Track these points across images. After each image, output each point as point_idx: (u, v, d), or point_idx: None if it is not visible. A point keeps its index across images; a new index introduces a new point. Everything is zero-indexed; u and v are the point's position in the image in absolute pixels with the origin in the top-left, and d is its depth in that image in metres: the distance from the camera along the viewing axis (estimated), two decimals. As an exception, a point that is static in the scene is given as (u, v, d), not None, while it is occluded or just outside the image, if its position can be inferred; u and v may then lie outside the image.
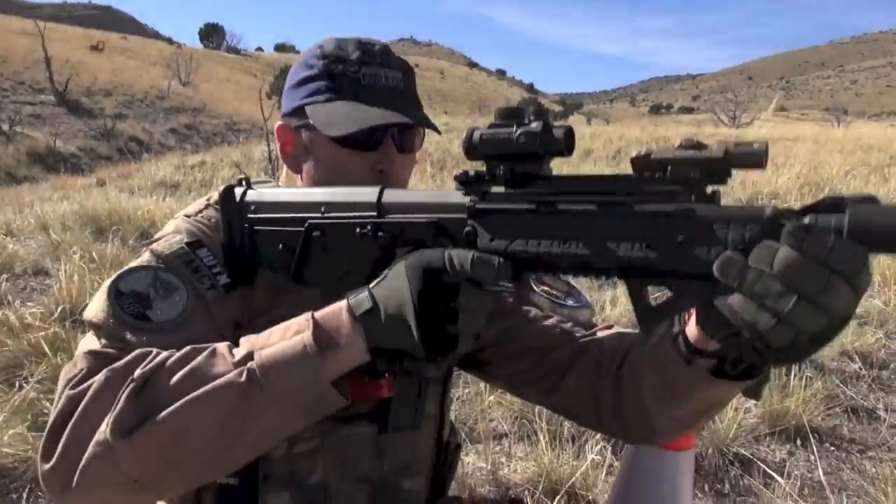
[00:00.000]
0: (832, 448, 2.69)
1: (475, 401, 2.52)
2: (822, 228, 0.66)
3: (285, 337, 0.89)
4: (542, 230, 0.85)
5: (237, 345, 0.91)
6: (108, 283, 1.02)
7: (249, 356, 0.87)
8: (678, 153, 0.74)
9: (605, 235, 0.80)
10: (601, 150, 14.79)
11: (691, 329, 0.93)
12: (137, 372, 0.84)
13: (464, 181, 0.93)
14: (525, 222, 0.86)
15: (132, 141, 19.15)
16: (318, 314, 0.90)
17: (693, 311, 0.91)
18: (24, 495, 1.86)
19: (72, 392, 0.87)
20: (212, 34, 57.50)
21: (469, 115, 25.02)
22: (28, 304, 3.02)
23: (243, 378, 0.84)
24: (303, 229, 1.05)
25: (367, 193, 1.02)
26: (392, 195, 1.00)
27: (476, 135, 0.89)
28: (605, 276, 0.82)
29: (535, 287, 1.20)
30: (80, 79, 22.27)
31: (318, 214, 1.05)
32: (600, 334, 1.20)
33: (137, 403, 0.82)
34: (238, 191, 1.13)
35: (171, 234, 1.11)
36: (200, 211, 1.17)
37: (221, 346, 0.90)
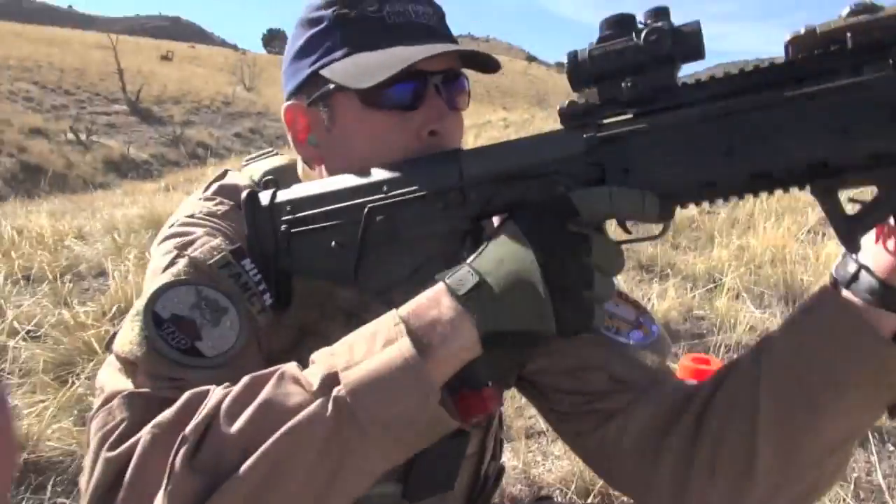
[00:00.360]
0: (894, 449, 2.54)
1: (511, 398, 2.49)
2: None
3: (374, 350, 0.68)
4: (696, 146, 0.70)
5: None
6: (140, 304, 0.80)
7: (333, 379, 0.67)
8: (853, 20, 0.63)
9: (785, 132, 0.67)
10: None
11: (881, 258, 0.73)
12: (190, 426, 0.64)
13: (572, 114, 0.77)
14: (671, 141, 0.72)
15: (199, 146, 19.81)
16: (405, 311, 0.71)
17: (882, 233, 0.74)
18: (68, 488, 1.95)
19: (111, 455, 0.68)
20: (274, 40, 59.21)
21: (527, 110, 24.78)
22: (88, 303, 3.17)
23: (330, 410, 0.64)
24: (361, 219, 0.84)
25: (436, 159, 0.85)
26: (474, 154, 0.83)
27: (583, 54, 0.74)
28: (786, 186, 0.69)
29: None
30: (150, 88, 23.22)
31: (381, 195, 0.84)
32: (672, 383, 0.94)
33: (196, 469, 0.63)
34: (264, 195, 0.91)
35: (204, 237, 0.89)
36: (217, 209, 0.95)
37: (290, 369, 0.70)
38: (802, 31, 0.65)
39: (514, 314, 0.70)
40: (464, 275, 0.71)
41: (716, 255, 3.80)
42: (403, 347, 0.67)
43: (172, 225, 0.94)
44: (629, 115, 0.75)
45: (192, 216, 0.94)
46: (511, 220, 0.75)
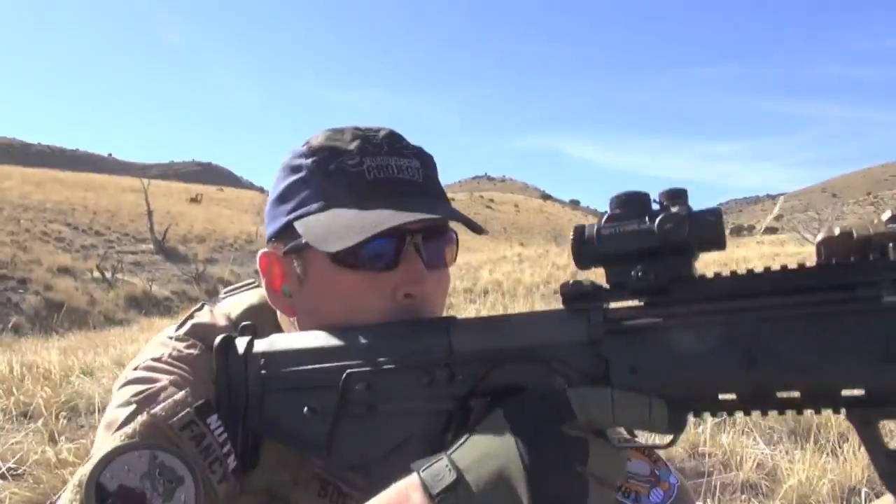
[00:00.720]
0: None
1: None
2: None
3: None
4: (715, 351, 0.61)
5: None
6: (85, 471, 0.70)
7: None
8: (891, 226, 0.57)
9: (817, 349, 0.58)
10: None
11: None
12: None
13: (575, 295, 0.69)
14: (685, 342, 0.63)
15: (220, 283, 20.23)
16: None
17: None
18: None
19: None
20: (299, 182, 61.98)
21: (543, 246, 25.23)
22: (79, 440, 3.12)
23: None
24: (339, 384, 0.77)
25: (431, 326, 0.78)
26: (466, 326, 0.75)
27: (591, 231, 0.67)
28: (817, 408, 0.60)
29: None
30: (178, 228, 24.17)
31: (362, 361, 0.77)
32: None
33: None
34: (240, 342, 0.83)
35: (169, 388, 0.80)
36: (188, 353, 0.87)
37: None
38: (837, 231, 0.59)
39: None
40: (441, 468, 0.64)
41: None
42: None
43: (137, 367, 0.86)
44: (640, 305, 0.67)
45: (158, 359, 0.86)
46: (501, 410, 0.67)
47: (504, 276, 13.56)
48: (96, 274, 17.31)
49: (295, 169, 0.89)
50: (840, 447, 2.85)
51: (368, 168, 0.85)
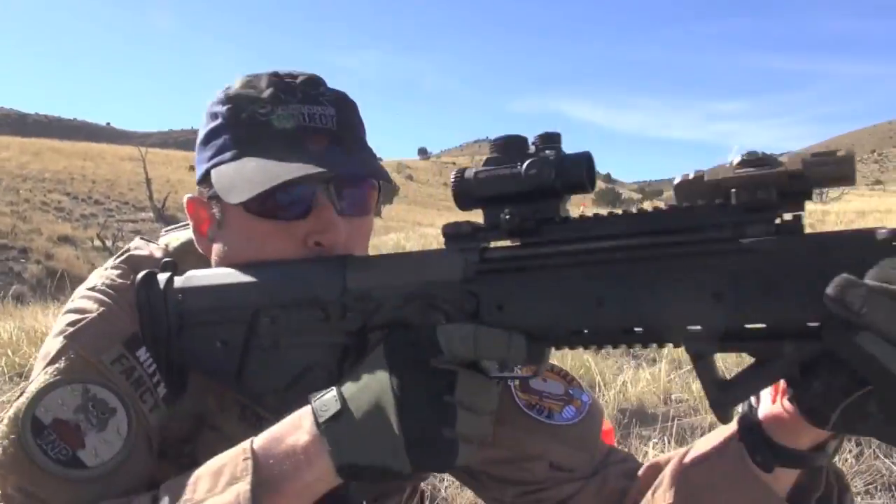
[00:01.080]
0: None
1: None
2: None
3: (215, 488, 0.68)
4: (570, 290, 0.65)
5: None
6: (19, 405, 0.75)
7: None
8: (742, 172, 0.57)
9: (657, 289, 0.61)
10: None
11: (776, 417, 0.69)
12: None
13: (455, 235, 0.73)
14: (545, 281, 0.66)
15: (220, 250, 20.29)
16: (264, 438, 0.70)
17: (778, 391, 0.71)
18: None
19: None
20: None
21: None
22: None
23: None
24: (247, 319, 0.82)
25: (325, 267, 0.81)
26: (360, 264, 0.80)
27: (469, 174, 0.70)
28: (659, 343, 0.64)
29: (516, 397, 0.95)
30: (177, 196, 24.09)
31: (267, 298, 0.82)
32: (613, 469, 0.92)
33: None
34: (162, 277, 0.88)
35: (98, 322, 0.83)
36: (120, 283, 0.89)
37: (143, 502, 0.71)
38: (691, 175, 0.60)
39: (369, 449, 0.66)
40: (329, 399, 0.69)
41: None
42: (241, 492, 0.66)
43: (74, 298, 0.90)
44: (515, 245, 0.71)
45: (93, 288, 0.89)
46: (387, 341, 0.71)
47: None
48: (97, 243, 17.36)
49: (213, 116, 0.91)
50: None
51: (279, 116, 0.85)
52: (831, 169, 0.54)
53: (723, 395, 0.61)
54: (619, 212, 0.67)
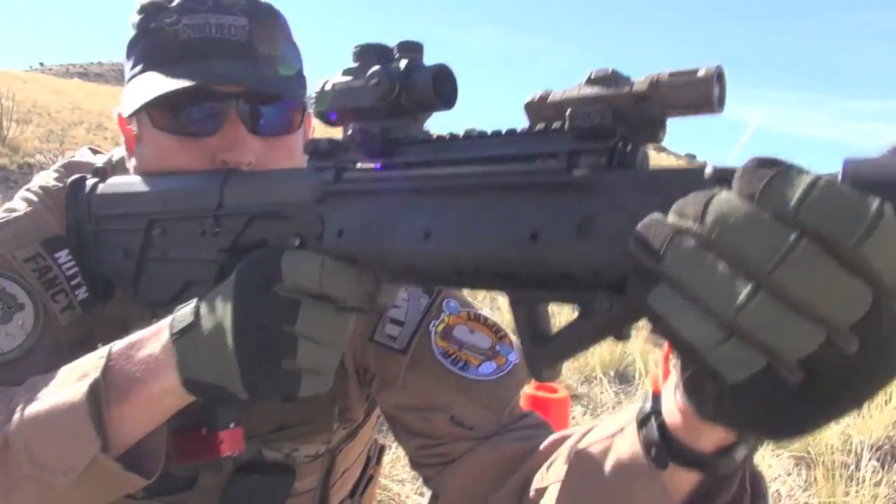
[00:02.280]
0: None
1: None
2: (795, 169, 0.36)
3: (65, 383, 0.69)
4: (397, 219, 0.60)
5: None
6: None
7: (14, 412, 0.69)
8: (584, 91, 0.49)
9: (479, 225, 0.54)
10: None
11: (675, 406, 0.54)
12: None
13: (314, 151, 0.68)
14: (379, 209, 0.61)
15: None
16: (125, 342, 0.70)
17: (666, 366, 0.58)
18: None
19: None
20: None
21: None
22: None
23: (1, 443, 0.68)
24: (143, 228, 0.82)
25: (210, 179, 0.79)
26: (237, 180, 0.77)
27: (330, 81, 0.64)
28: (487, 288, 0.59)
29: (434, 343, 0.89)
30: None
31: (160, 209, 0.81)
32: (513, 435, 0.84)
33: None
34: (90, 182, 0.89)
35: (23, 219, 0.87)
36: (54, 186, 0.91)
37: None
38: (537, 95, 0.52)
39: (209, 367, 0.65)
40: (187, 312, 0.67)
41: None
42: (79, 391, 0.66)
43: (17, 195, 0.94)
44: (365, 168, 0.65)
45: (30, 189, 0.93)
46: (243, 262, 0.68)
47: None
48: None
49: (131, 27, 0.89)
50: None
51: (184, 26, 0.82)
52: (685, 92, 0.43)
53: (537, 351, 0.52)
54: (472, 133, 0.58)
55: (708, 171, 0.42)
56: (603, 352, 3.26)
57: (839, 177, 0.37)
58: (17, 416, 0.69)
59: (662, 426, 0.56)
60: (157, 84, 0.81)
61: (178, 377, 0.66)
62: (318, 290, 0.62)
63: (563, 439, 0.77)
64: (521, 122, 0.55)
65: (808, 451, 2.40)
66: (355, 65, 0.63)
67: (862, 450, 2.40)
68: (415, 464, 0.93)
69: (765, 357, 0.36)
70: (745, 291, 0.36)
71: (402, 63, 0.60)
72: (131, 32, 0.89)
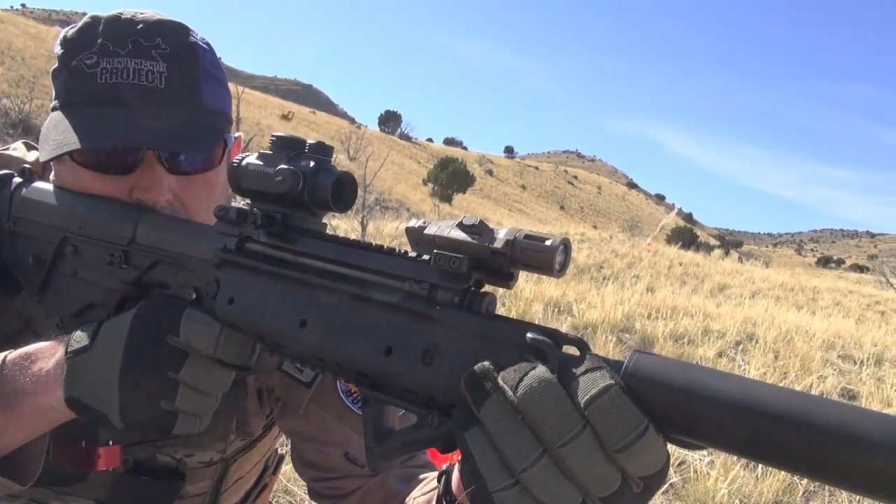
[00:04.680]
0: None
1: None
2: (604, 365, 0.48)
3: None
4: (281, 302, 0.67)
5: None
6: None
7: None
8: (452, 233, 0.56)
9: (347, 326, 0.62)
10: (738, 287, 14.02)
11: (455, 475, 0.66)
12: None
13: (223, 217, 0.74)
14: (266, 288, 0.68)
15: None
16: (20, 352, 0.74)
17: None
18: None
19: None
20: (389, 120, 62.51)
21: (612, 231, 24.72)
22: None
23: None
24: (56, 242, 0.86)
25: (127, 213, 0.83)
26: (151, 222, 0.82)
27: (245, 161, 0.71)
28: (344, 378, 0.66)
29: (338, 381, 0.96)
30: (262, 140, 24.78)
31: (75, 228, 0.85)
32: (397, 472, 0.91)
33: None
34: (15, 181, 0.93)
35: None
36: None
37: None
38: (417, 223, 0.59)
39: (92, 390, 0.69)
40: (85, 335, 0.71)
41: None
42: None
43: None
44: (264, 244, 0.71)
45: None
46: (145, 302, 0.73)
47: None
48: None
49: (56, 55, 0.90)
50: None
51: (102, 70, 0.84)
52: (532, 255, 0.52)
53: (377, 446, 0.61)
54: (361, 241, 0.66)
55: (529, 336, 0.52)
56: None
57: (625, 363, 0.49)
58: None
59: (448, 487, 0.66)
60: (72, 136, 0.82)
61: (63, 394, 0.70)
62: (209, 354, 0.68)
63: (421, 481, 0.87)
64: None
65: (700, 507, 2.53)
66: (269, 152, 0.69)
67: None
68: (312, 493, 1.00)
69: None
70: (533, 455, 0.47)
71: (312, 163, 0.67)
72: (57, 61, 0.90)
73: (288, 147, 0.69)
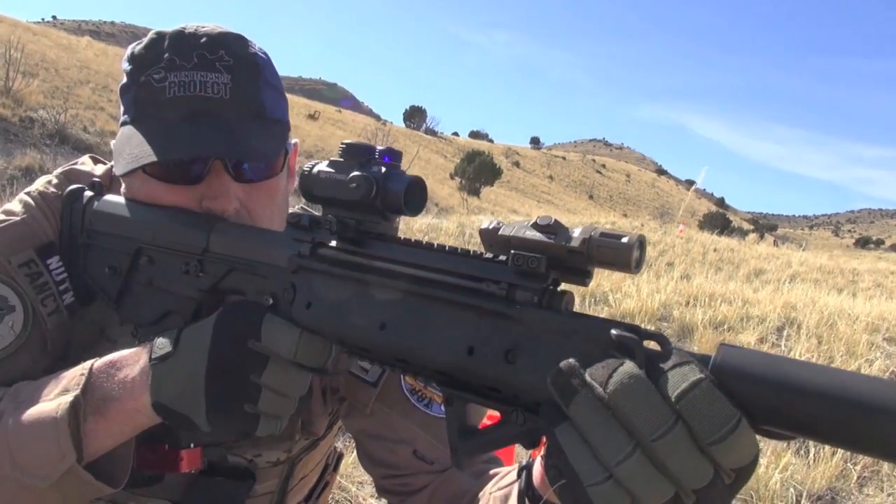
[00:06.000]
0: None
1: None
2: (692, 359, 0.49)
3: (48, 395, 0.75)
4: (360, 306, 0.68)
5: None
6: None
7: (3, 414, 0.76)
8: (528, 233, 0.57)
9: (426, 328, 0.63)
10: (775, 272, 13.77)
11: (537, 470, 0.70)
12: None
13: (295, 224, 0.77)
14: (345, 292, 0.70)
15: (320, 199, 20.92)
16: (105, 360, 0.77)
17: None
18: None
19: None
20: (415, 115, 62.61)
21: (643, 219, 24.47)
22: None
23: None
24: (131, 253, 0.89)
25: (199, 223, 0.86)
26: (224, 230, 0.84)
27: (315, 170, 0.73)
28: (424, 378, 0.68)
29: (402, 380, 0.98)
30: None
31: (149, 238, 0.88)
32: (467, 469, 0.91)
33: None
34: (87, 195, 0.96)
35: (20, 225, 0.92)
36: (52, 192, 0.97)
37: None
38: (491, 224, 0.60)
39: (179, 398, 0.72)
40: (167, 341, 0.74)
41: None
42: (61, 406, 0.72)
43: (15, 198, 0.98)
44: (338, 249, 0.73)
45: (29, 193, 0.97)
46: (226, 308, 0.75)
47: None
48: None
49: (124, 72, 0.94)
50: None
51: (170, 84, 0.87)
52: (610, 253, 0.53)
53: (461, 443, 0.63)
54: (433, 243, 0.67)
55: (614, 332, 0.52)
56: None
57: (712, 357, 0.49)
58: (1, 421, 0.75)
59: (536, 492, 0.68)
60: (146, 149, 0.85)
61: (150, 401, 0.72)
62: (290, 358, 0.70)
63: (497, 475, 0.87)
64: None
65: (751, 495, 2.50)
66: (340, 159, 0.71)
67: (802, 498, 2.51)
68: (381, 490, 1.01)
69: (629, 499, 0.49)
70: (626, 450, 0.48)
71: (383, 169, 0.69)
72: (123, 77, 0.94)
73: (359, 154, 0.71)
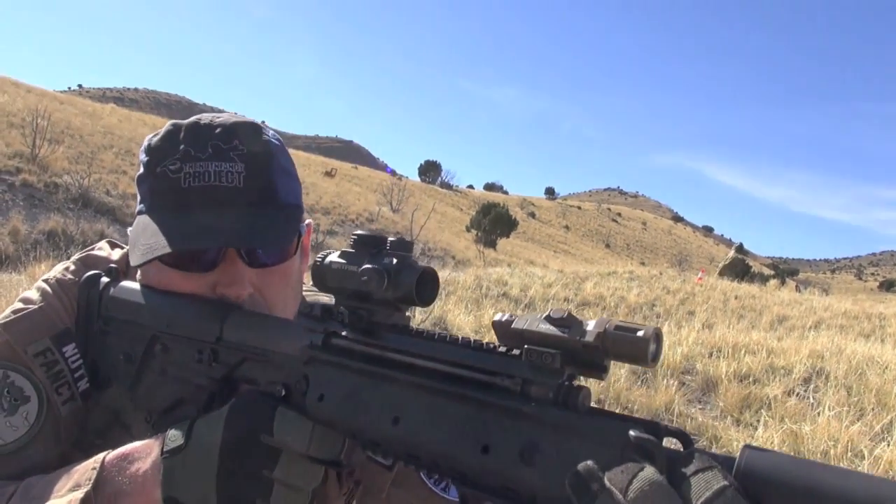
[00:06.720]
0: None
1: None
2: (716, 464, 0.47)
3: (60, 491, 0.74)
4: (372, 399, 0.67)
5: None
6: None
7: None
8: (542, 327, 0.56)
9: (440, 424, 0.61)
10: (798, 318, 13.53)
11: None
12: None
13: (308, 315, 0.76)
14: (357, 385, 0.69)
15: (337, 255, 21.09)
16: (117, 453, 0.75)
17: None
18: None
19: None
20: (430, 170, 63.55)
21: (661, 267, 24.29)
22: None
23: None
24: (146, 340, 0.89)
25: (212, 312, 0.86)
26: (237, 319, 0.84)
27: (328, 260, 0.73)
28: (439, 476, 0.67)
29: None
30: (307, 198, 25.15)
31: (163, 326, 0.88)
32: None
33: None
34: (103, 281, 0.97)
35: (36, 314, 0.92)
36: (68, 279, 0.98)
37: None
38: (504, 317, 0.59)
39: (191, 489, 0.70)
40: (179, 434, 0.72)
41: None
42: (73, 499, 0.71)
43: (34, 285, 0.99)
44: (351, 340, 0.72)
45: (47, 280, 0.98)
46: (239, 398, 0.74)
47: (609, 291, 13.17)
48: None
49: (141, 163, 0.95)
50: None
51: (186, 175, 0.88)
52: (624, 346, 0.52)
53: None
54: (447, 335, 0.66)
55: (633, 434, 0.50)
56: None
57: (736, 460, 0.47)
58: None
59: None
60: (161, 240, 0.87)
61: (161, 494, 0.71)
62: (303, 452, 0.69)
63: None
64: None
65: None
66: (352, 250, 0.72)
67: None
68: None
69: None
70: None
71: (395, 260, 0.68)
72: (140, 167, 0.96)
73: (370, 245, 0.71)
